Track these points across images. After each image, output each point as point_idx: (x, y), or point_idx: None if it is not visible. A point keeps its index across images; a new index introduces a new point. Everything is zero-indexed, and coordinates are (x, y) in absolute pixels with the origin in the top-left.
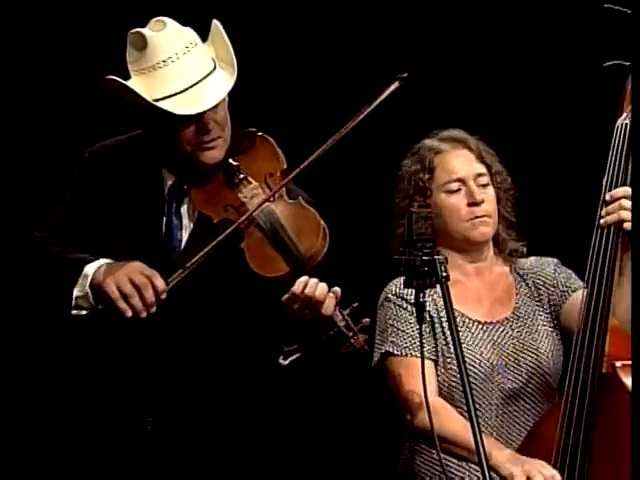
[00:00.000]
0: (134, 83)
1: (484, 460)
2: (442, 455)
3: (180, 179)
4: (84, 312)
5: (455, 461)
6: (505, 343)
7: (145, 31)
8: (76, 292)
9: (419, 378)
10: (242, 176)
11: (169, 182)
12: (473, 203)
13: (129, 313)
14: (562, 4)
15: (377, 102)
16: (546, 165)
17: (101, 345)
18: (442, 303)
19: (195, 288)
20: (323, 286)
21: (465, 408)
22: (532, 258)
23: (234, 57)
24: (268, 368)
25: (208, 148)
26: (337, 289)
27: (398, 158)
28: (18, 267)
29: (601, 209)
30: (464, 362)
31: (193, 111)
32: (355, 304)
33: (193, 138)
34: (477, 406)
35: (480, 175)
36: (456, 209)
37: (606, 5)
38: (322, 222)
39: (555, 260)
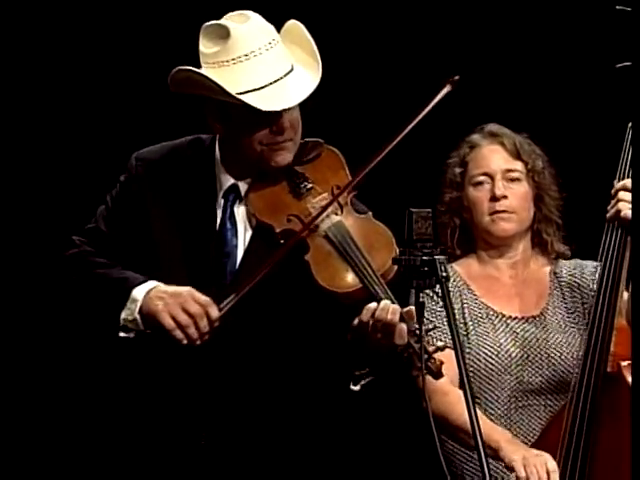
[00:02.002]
0: (211, 75)
1: (483, 458)
2: (456, 445)
3: (237, 183)
4: (132, 334)
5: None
6: (529, 338)
7: (227, 23)
8: (124, 315)
9: None
10: (310, 186)
11: (226, 185)
12: (493, 197)
13: (184, 342)
14: (575, 6)
15: (429, 107)
16: (559, 165)
17: (158, 358)
18: (467, 296)
19: (255, 303)
20: (394, 310)
21: (481, 398)
22: (573, 260)
23: (319, 57)
24: (335, 391)
25: (279, 149)
26: (411, 309)
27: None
28: (54, 275)
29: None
30: (464, 360)
31: (278, 107)
32: (430, 326)
33: (265, 138)
34: (493, 397)
35: (510, 171)
36: (480, 202)
37: (618, 7)
38: (393, 239)
39: (595, 263)
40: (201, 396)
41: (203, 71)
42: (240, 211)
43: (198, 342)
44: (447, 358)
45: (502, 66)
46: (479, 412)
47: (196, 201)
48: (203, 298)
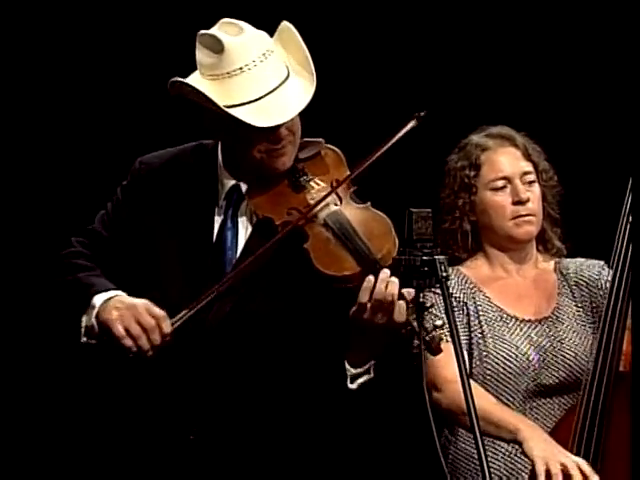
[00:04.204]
0: (205, 86)
1: (484, 458)
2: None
3: (239, 183)
4: (94, 341)
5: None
6: (543, 341)
7: (221, 35)
8: (84, 321)
9: (448, 358)
10: (309, 179)
11: (227, 186)
12: (518, 201)
13: (135, 351)
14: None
15: (393, 141)
16: (562, 164)
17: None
18: (480, 298)
19: (252, 292)
20: (393, 285)
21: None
22: (578, 259)
23: (312, 64)
24: (331, 385)
25: (278, 156)
26: (410, 290)
27: (444, 153)
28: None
29: (625, 209)
30: (463, 360)
31: (271, 123)
32: (428, 304)
33: (263, 146)
34: (510, 399)
35: (526, 173)
36: (501, 207)
37: None
38: (392, 226)
39: (601, 262)
40: (193, 390)
41: (198, 81)
42: (243, 210)
43: (149, 354)
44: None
45: (500, 66)
46: (492, 398)
47: (196, 205)
48: (158, 311)
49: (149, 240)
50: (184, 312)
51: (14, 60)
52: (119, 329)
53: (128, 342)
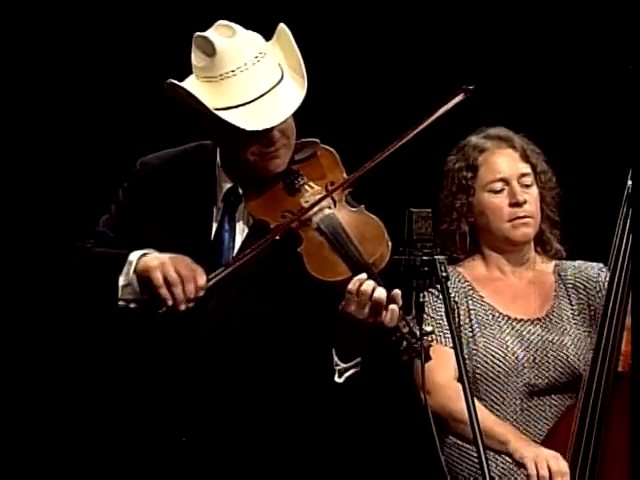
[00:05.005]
0: (198, 89)
1: (483, 457)
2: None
3: (236, 185)
4: (132, 305)
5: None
6: (534, 341)
7: (213, 37)
8: (121, 281)
9: (438, 362)
10: (303, 182)
11: (225, 188)
12: (515, 203)
13: (170, 302)
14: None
15: (439, 113)
16: (570, 166)
17: (143, 351)
18: (473, 297)
19: (246, 293)
20: (381, 289)
21: (488, 400)
22: (578, 262)
23: (304, 69)
24: (321, 385)
25: (272, 158)
26: (397, 291)
27: (444, 153)
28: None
29: (623, 211)
30: (464, 361)
31: (261, 126)
32: (428, 328)
33: (257, 148)
34: (500, 398)
35: (524, 175)
36: (498, 209)
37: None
38: (385, 229)
39: (600, 265)
40: (187, 391)
41: (193, 83)
42: (240, 212)
43: (182, 307)
44: (448, 356)
45: (499, 67)
46: (484, 408)
47: (194, 206)
48: (195, 265)
49: (149, 241)
50: (220, 270)
51: (14, 64)
52: (158, 276)
53: (164, 291)
